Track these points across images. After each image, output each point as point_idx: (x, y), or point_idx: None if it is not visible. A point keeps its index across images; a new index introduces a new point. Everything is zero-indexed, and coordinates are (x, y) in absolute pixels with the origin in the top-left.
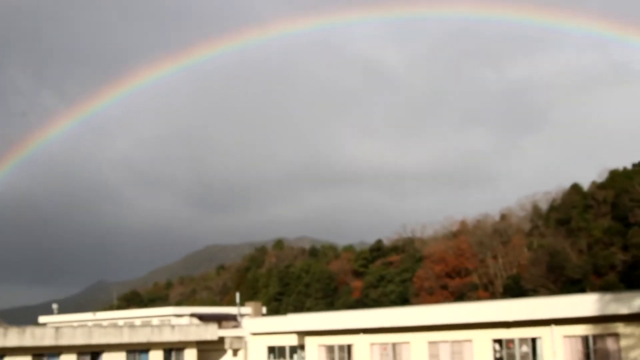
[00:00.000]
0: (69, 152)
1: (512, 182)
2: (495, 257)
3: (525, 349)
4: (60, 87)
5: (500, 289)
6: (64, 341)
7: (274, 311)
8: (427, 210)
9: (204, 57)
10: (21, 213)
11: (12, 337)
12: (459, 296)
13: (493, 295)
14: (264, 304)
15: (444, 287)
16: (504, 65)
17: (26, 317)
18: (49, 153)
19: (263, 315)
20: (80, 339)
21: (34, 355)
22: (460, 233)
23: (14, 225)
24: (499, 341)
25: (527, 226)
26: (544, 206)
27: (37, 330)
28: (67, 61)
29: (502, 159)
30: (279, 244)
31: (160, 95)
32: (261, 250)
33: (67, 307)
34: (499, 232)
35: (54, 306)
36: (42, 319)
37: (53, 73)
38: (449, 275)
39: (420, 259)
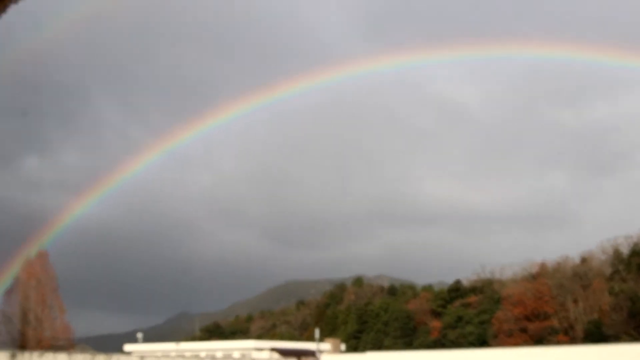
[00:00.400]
0: (154, 185)
1: (593, 225)
2: (575, 301)
3: None
4: (146, 120)
5: (581, 334)
6: None
7: (352, 348)
8: (506, 251)
9: (285, 95)
10: (109, 244)
11: None
12: (538, 340)
13: (573, 340)
14: (342, 340)
15: (523, 330)
16: (583, 105)
17: (112, 344)
18: (134, 185)
19: (342, 352)
20: None
21: None
22: (540, 275)
23: (102, 256)
24: None
25: (608, 270)
26: (625, 250)
27: (123, 358)
28: (153, 94)
29: (582, 201)
30: (358, 281)
31: (241, 131)
32: (340, 287)
33: (151, 336)
34: (579, 275)
35: (139, 335)
36: (127, 347)
37: (140, 106)
38: (527, 318)
39: (498, 301)
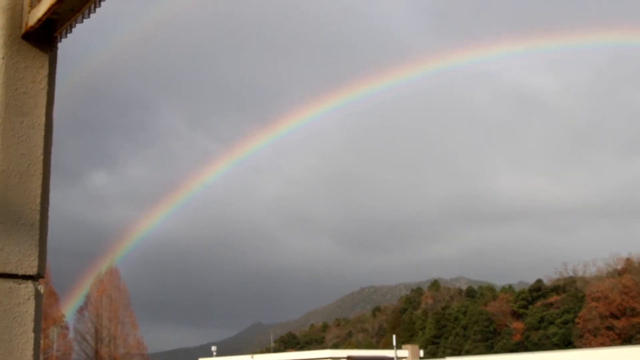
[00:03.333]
0: (225, 196)
1: None
2: None
3: None
4: (214, 129)
5: None
6: None
7: (431, 354)
8: (589, 246)
9: (355, 96)
10: (180, 258)
11: None
12: (627, 338)
13: None
14: (420, 346)
15: (610, 328)
16: None
17: (185, 359)
18: (205, 196)
19: (420, 358)
20: None
21: None
22: (626, 271)
23: (173, 270)
24: None
25: None
26: None
27: None
28: (221, 104)
29: None
30: (434, 284)
31: (312, 136)
32: (417, 291)
33: (225, 349)
34: None
35: (213, 348)
36: None
37: (207, 115)
38: (614, 316)
39: (582, 299)
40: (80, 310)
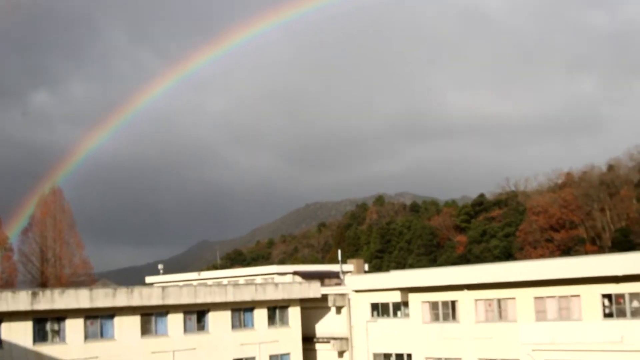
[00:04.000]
0: (170, 114)
1: (622, 131)
2: (602, 210)
3: (637, 304)
4: (159, 48)
5: (609, 243)
6: (171, 300)
7: (375, 268)
8: (531, 162)
9: (300, 13)
10: (125, 176)
11: (121, 297)
12: (565, 250)
13: (601, 249)
14: (365, 261)
15: (549, 240)
16: (615, 5)
17: (133, 277)
18: (149, 115)
19: (365, 272)
20: (186, 298)
21: (142, 315)
22: (566, 185)
23: (119, 189)
24: (608, 296)
25: (636, 177)
26: None
27: (145, 290)
28: (165, 21)
29: (612, 106)
30: (379, 200)
31: (257, 53)
32: (362, 207)
33: (172, 267)
34: (606, 183)
35: (160, 266)
36: (148, 279)
37: (152, 34)
38: (553, 228)
39: (523, 213)
40: (25, 231)
